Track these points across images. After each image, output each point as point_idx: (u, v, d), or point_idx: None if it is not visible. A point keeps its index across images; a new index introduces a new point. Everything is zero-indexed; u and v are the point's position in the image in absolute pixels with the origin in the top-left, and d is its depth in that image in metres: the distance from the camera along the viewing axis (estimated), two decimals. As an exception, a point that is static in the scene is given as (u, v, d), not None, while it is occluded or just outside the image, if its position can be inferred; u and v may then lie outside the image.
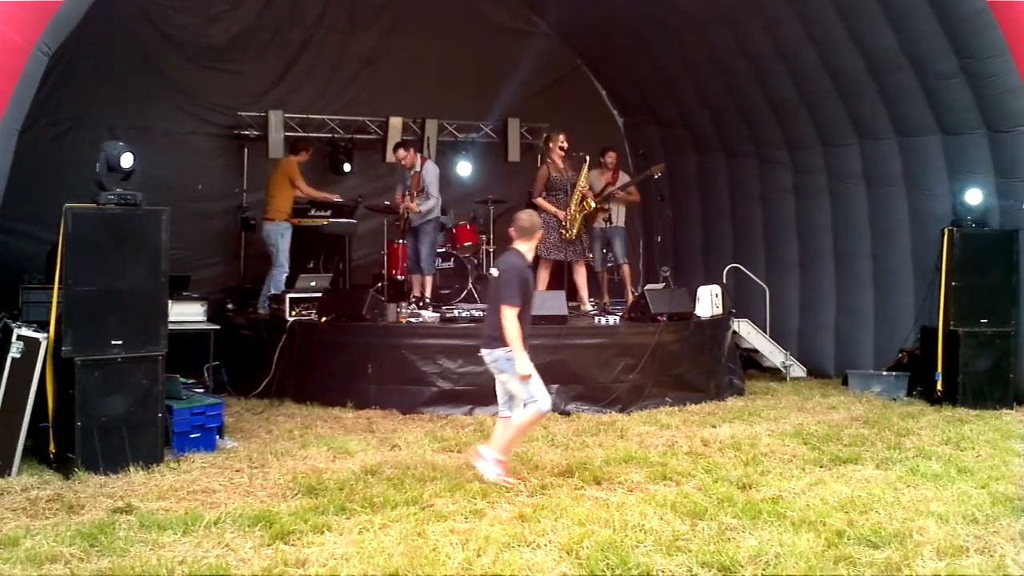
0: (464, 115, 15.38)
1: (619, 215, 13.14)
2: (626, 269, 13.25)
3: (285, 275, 12.27)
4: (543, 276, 12.00)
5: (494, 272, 7.70)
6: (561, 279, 12.68)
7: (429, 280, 12.81)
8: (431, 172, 12.67)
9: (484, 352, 7.57)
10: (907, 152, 12.12)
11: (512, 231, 7.76)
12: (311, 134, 14.56)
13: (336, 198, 13.57)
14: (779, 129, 13.72)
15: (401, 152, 12.70)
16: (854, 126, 12.63)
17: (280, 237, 12.38)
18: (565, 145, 11.90)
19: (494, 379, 10.29)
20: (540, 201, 11.96)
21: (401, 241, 13.38)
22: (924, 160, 11.89)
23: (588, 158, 12.11)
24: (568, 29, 16.16)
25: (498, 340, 7.38)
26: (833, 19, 11.73)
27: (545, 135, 12.13)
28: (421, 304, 12.36)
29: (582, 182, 11.93)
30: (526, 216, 7.76)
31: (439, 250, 13.27)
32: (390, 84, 15.09)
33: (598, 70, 16.55)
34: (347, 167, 14.79)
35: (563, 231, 11.75)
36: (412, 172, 12.61)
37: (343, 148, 14.76)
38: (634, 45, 15.01)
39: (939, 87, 11.24)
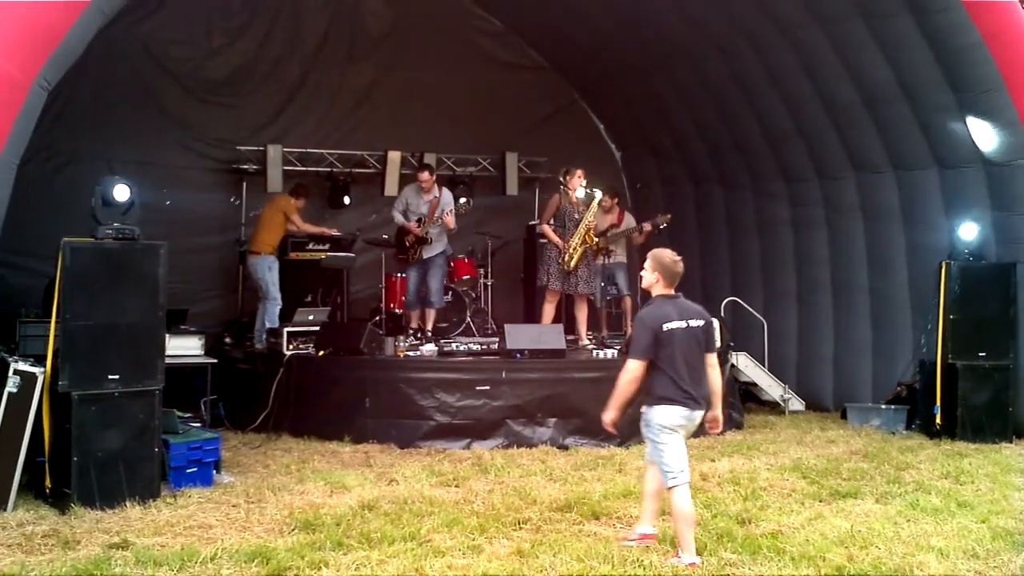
0: (462, 149, 15.41)
1: (621, 250, 13.17)
2: (628, 301, 13.26)
3: (278, 308, 12.24)
4: (548, 309, 11.99)
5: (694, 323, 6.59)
6: (561, 312, 12.66)
7: (433, 314, 12.77)
8: (449, 200, 12.68)
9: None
10: (904, 185, 12.16)
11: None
12: (310, 168, 14.61)
13: (333, 232, 13.57)
14: (775, 161, 13.77)
15: (427, 175, 12.57)
16: (850, 159, 12.68)
17: (267, 271, 12.34)
18: (584, 182, 11.93)
19: (492, 413, 10.38)
20: (545, 228, 12.00)
21: (400, 274, 13.37)
22: (921, 193, 11.93)
23: (599, 195, 12.15)
24: (564, 63, 16.24)
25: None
26: (827, 50, 11.78)
27: (564, 169, 12.12)
28: (423, 338, 12.31)
29: (590, 217, 11.95)
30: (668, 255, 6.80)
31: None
32: (388, 118, 15.15)
33: (595, 103, 16.63)
34: (346, 201, 14.81)
35: (560, 262, 11.73)
36: (432, 199, 12.56)
37: (342, 182, 14.79)
38: (630, 78, 15.08)
39: (935, 120, 11.29)
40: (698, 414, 6.51)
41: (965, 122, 10.95)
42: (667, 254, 6.79)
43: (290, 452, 9.96)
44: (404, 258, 12.70)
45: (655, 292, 6.70)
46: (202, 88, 13.98)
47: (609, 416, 6.65)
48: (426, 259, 12.58)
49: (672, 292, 6.69)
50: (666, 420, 6.44)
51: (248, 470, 9.14)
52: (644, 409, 6.58)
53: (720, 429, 6.93)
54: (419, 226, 12.44)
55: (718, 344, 6.69)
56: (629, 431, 10.54)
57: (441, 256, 12.68)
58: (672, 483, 6.41)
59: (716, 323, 12.07)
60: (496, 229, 14.71)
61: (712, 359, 6.67)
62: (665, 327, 6.42)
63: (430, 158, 14.82)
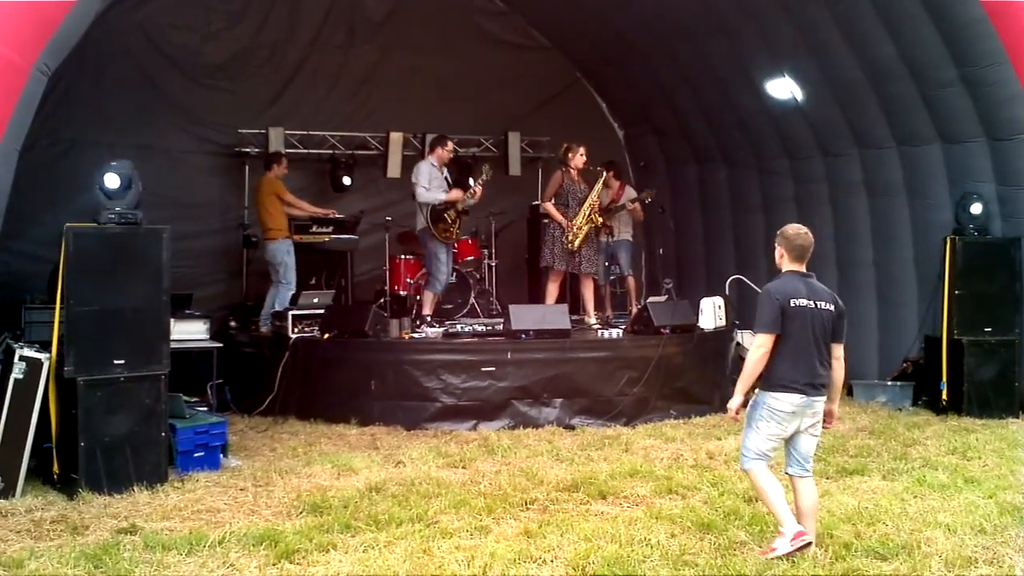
0: (464, 129, 15.37)
1: (625, 228, 13.13)
2: (631, 281, 13.23)
3: (292, 292, 12.22)
4: (552, 289, 11.97)
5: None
6: (565, 292, 12.64)
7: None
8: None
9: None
10: (908, 161, 12.11)
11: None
12: (312, 150, 14.58)
13: (332, 213, 13.52)
14: (779, 139, 13.72)
15: (451, 145, 12.42)
16: (854, 135, 12.63)
17: (286, 254, 12.32)
18: (585, 159, 11.90)
19: (497, 394, 10.37)
20: (548, 206, 11.95)
21: (404, 256, 13.33)
22: (925, 169, 11.88)
23: (605, 173, 12.10)
24: (566, 42, 16.17)
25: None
26: (831, 27, 11.72)
27: (565, 145, 12.05)
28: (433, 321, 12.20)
29: (594, 196, 11.92)
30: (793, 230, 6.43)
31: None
32: (390, 99, 15.11)
33: (597, 82, 16.57)
34: (348, 182, 14.78)
35: (565, 241, 11.70)
36: (447, 173, 12.42)
37: (344, 164, 14.76)
38: (632, 57, 15.02)
39: (939, 96, 11.24)
40: (818, 402, 6.15)
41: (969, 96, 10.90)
42: (791, 228, 6.42)
43: (297, 435, 9.98)
44: (448, 235, 12.10)
45: (784, 268, 6.38)
46: (202, 72, 13.92)
47: (736, 402, 6.21)
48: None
49: (802, 269, 6.36)
50: (777, 406, 6.08)
51: (255, 454, 9.16)
52: (756, 391, 6.23)
53: (834, 424, 6.58)
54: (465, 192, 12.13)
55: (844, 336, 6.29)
56: (634, 411, 10.63)
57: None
58: (748, 466, 6.19)
59: (721, 301, 12.19)
60: (499, 209, 14.67)
61: (839, 351, 6.36)
62: (793, 303, 6.10)
63: (432, 139, 14.76)
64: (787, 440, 6.20)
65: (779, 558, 5.87)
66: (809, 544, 5.96)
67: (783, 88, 12.95)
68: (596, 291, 12.66)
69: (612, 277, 13.43)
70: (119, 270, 7.82)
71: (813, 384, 6.08)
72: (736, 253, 14.84)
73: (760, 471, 6.13)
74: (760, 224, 14.40)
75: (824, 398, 6.18)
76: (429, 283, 12.32)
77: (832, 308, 6.26)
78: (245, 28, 14.15)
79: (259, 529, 6.54)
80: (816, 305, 6.15)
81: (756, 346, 6.11)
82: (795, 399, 6.03)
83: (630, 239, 13.27)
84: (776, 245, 6.40)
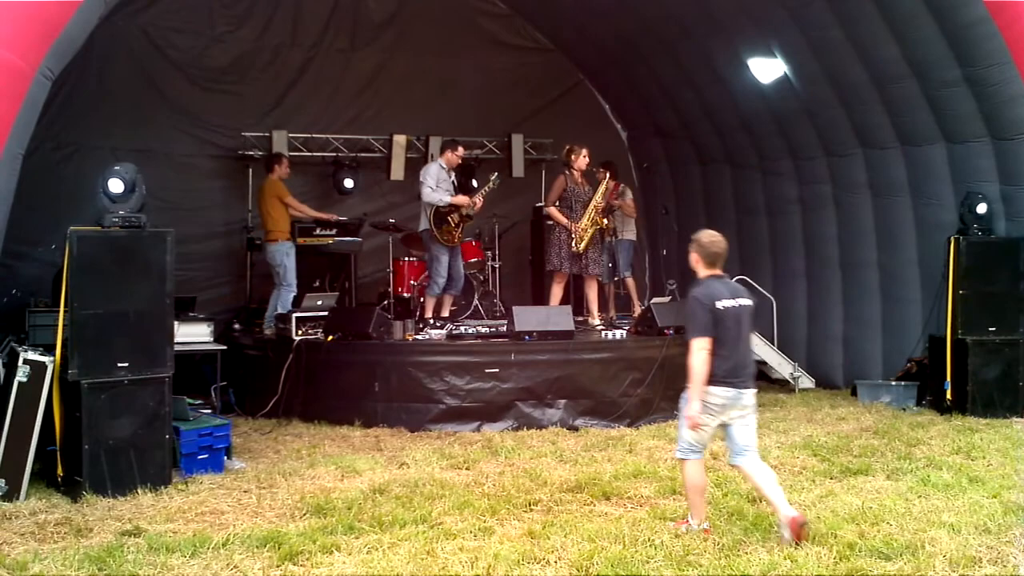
0: (468, 131, 15.38)
1: (628, 228, 13.09)
2: (629, 282, 13.22)
3: (293, 294, 12.25)
4: (556, 290, 11.97)
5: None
6: (569, 293, 12.62)
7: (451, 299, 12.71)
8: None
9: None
10: (912, 161, 12.10)
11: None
12: (315, 153, 14.61)
13: (333, 217, 13.53)
14: (783, 140, 13.72)
15: (461, 150, 12.42)
16: (858, 136, 12.62)
17: (286, 256, 12.36)
18: (588, 160, 11.91)
19: (501, 395, 10.37)
20: (552, 210, 11.93)
21: (408, 259, 13.35)
22: (929, 169, 11.88)
23: (608, 174, 12.12)
24: (569, 44, 16.18)
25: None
26: (834, 28, 11.72)
27: (567, 147, 12.06)
28: (443, 324, 12.14)
29: (598, 198, 11.92)
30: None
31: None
32: (393, 102, 15.14)
33: (600, 84, 16.58)
34: (352, 185, 14.80)
35: (570, 245, 11.70)
36: (454, 177, 12.43)
37: (347, 167, 14.77)
38: (635, 58, 15.02)
39: (942, 96, 11.23)
40: (747, 394, 6.49)
41: (972, 96, 10.90)
42: (705, 235, 6.74)
43: (300, 437, 10.00)
44: (450, 238, 12.11)
45: (701, 273, 6.66)
46: (205, 76, 13.95)
47: (695, 407, 6.38)
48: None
49: (719, 272, 6.64)
50: (710, 399, 6.38)
51: (259, 456, 9.17)
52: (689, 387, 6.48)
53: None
54: (470, 198, 12.14)
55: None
56: (638, 412, 10.63)
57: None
58: (679, 453, 6.59)
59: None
60: (503, 211, 14.68)
61: (752, 340, 6.76)
62: (719, 305, 6.42)
63: (435, 141, 14.78)
64: (723, 431, 6.60)
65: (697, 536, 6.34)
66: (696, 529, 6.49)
67: (786, 88, 12.94)
68: (600, 292, 12.65)
69: (616, 278, 13.40)
70: (123, 273, 7.84)
71: (742, 377, 6.47)
72: (740, 254, 14.78)
73: (690, 464, 6.53)
74: (764, 225, 14.42)
75: (754, 390, 6.56)
76: (428, 286, 12.35)
77: (749, 303, 6.67)
78: (248, 31, 14.18)
79: (263, 531, 6.54)
80: (738, 304, 6.54)
81: (697, 350, 6.38)
82: (728, 392, 6.41)
83: (632, 239, 13.25)
84: (691, 251, 6.71)
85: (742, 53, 13.05)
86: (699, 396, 6.37)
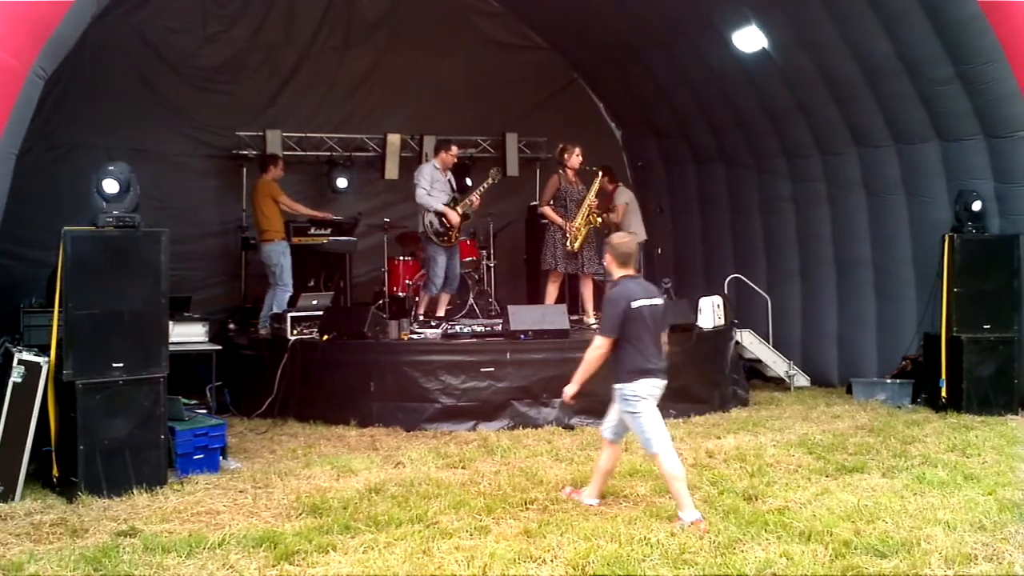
0: (462, 130, 15.38)
1: (632, 229, 13.01)
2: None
3: (289, 294, 12.23)
4: (551, 289, 11.97)
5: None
6: (564, 292, 12.63)
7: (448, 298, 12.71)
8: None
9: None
10: (905, 159, 12.12)
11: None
12: (309, 152, 14.59)
13: (328, 216, 13.52)
14: (776, 138, 13.73)
15: (455, 149, 12.43)
16: (852, 134, 12.64)
17: (281, 256, 12.35)
18: (581, 159, 11.90)
19: (497, 394, 10.38)
20: (546, 210, 11.93)
21: (403, 258, 13.35)
22: (923, 167, 11.89)
23: (601, 173, 12.11)
24: (563, 43, 16.18)
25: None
26: (827, 25, 11.73)
27: (560, 146, 12.07)
28: (438, 323, 12.13)
29: (592, 196, 11.92)
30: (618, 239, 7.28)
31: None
32: (387, 101, 15.13)
33: (595, 83, 16.57)
34: (346, 184, 14.79)
35: (565, 243, 11.71)
36: (449, 177, 12.40)
37: (341, 166, 14.76)
38: (629, 56, 15.03)
39: (936, 93, 11.25)
40: (664, 383, 6.99)
41: (966, 93, 10.91)
42: (616, 237, 7.34)
43: (296, 437, 9.98)
44: (446, 240, 12.12)
45: (615, 275, 7.12)
46: (199, 75, 13.93)
47: (572, 389, 7.13)
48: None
49: (632, 272, 7.12)
50: (642, 390, 6.86)
51: (254, 456, 9.16)
52: (618, 386, 6.96)
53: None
54: (454, 208, 12.09)
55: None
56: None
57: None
58: (656, 448, 6.84)
59: (720, 300, 12.21)
60: (497, 210, 14.67)
61: (665, 337, 7.19)
62: (635, 304, 6.84)
63: (430, 140, 14.76)
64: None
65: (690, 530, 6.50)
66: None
67: (779, 86, 12.95)
68: (595, 290, 12.65)
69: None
70: (118, 273, 7.82)
71: (659, 368, 6.96)
72: (735, 252, 14.86)
73: (670, 456, 6.85)
74: (758, 223, 14.43)
75: (665, 381, 7.03)
76: (425, 285, 12.34)
77: (661, 302, 7.11)
78: (242, 31, 14.17)
79: (259, 531, 6.54)
80: (652, 303, 6.97)
81: (596, 346, 6.94)
82: (654, 381, 6.92)
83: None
84: (605, 254, 7.24)
85: (735, 51, 13.04)
86: (579, 383, 7.06)
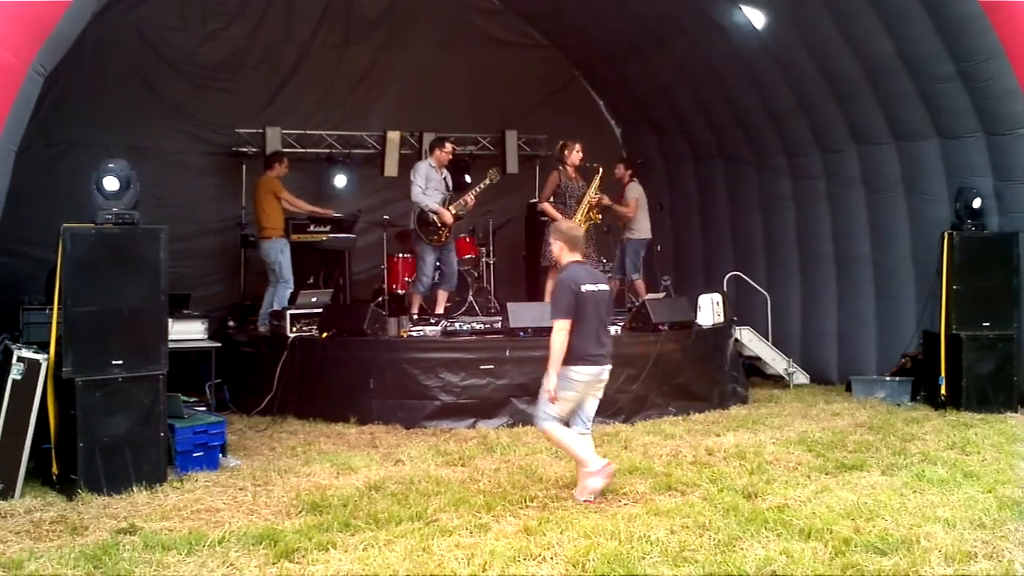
0: (461, 128, 15.38)
1: (636, 226, 12.97)
2: (639, 285, 13.01)
3: (290, 291, 12.22)
4: (551, 286, 11.93)
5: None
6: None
7: (446, 295, 12.69)
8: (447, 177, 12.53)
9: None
10: (905, 156, 12.12)
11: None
12: (309, 149, 14.59)
13: (330, 213, 13.51)
14: (777, 136, 13.73)
15: (450, 147, 12.38)
16: (851, 131, 12.63)
17: (280, 253, 12.33)
18: (581, 155, 11.89)
19: (496, 392, 10.38)
20: (546, 206, 11.94)
21: (402, 255, 13.34)
22: (922, 164, 11.90)
23: (601, 169, 12.10)
24: (563, 40, 16.18)
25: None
26: (828, 23, 11.72)
27: (561, 143, 12.07)
28: (437, 320, 12.12)
29: (592, 193, 11.90)
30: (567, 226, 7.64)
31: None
32: (387, 98, 15.14)
33: (595, 80, 16.57)
34: (345, 181, 14.78)
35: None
36: (445, 174, 12.38)
37: (341, 163, 14.76)
38: (629, 54, 15.03)
39: (936, 91, 11.24)
40: (606, 370, 7.26)
41: (966, 91, 10.91)
42: (562, 223, 7.72)
43: (296, 434, 9.98)
44: (436, 239, 12.12)
45: (564, 260, 7.38)
46: (198, 73, 13.93)
47: (552, 382, 7.11)
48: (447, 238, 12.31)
49: (579, 258, 7.39)
50: (577, 377, 7.11)
51: (254, 453, 9.15)
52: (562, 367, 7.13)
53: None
54: (446, 207, 12.07)
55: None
56: (632, 408, 10.64)
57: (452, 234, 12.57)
58: (544, 426, 7.29)
59: (719, 298, 12.21)
60: (497, 207, 14.67)
61: (608, 323, 7.46)
62: (583, 288, 7.11)
63: (429, 138, 14.73)
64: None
65: (595, 496, 7.10)
66: (614, 470, 7.36)
67: (779, 83, 12.95)
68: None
69: (621, 276, 13.30)
70: (117, 271, 7.80)
71: (603, 355, 7.20)
72: (734, 250, 14.86)
73: (556, 428, 7.24)
74: (758, 221, 14.43)
75: (609, 366, 7.28)
76: (414, 283, 12.39)
77: (607, 288, 7.40)
78: (241, 28, 14.18)
79: (258, 528, 6.54)
80: (598, 288, 7.23)
81: (558, 330, 7.06)
82: (593, 370, 7.14)
83: (642, 237, 13.09)
84: (553, 240, 7.53)
85: (737, 50, 13.03)
86: (557, 372, 7.06)
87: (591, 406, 7.40)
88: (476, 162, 15.36)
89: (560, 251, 7.43)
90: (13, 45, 7.43)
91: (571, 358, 7.06)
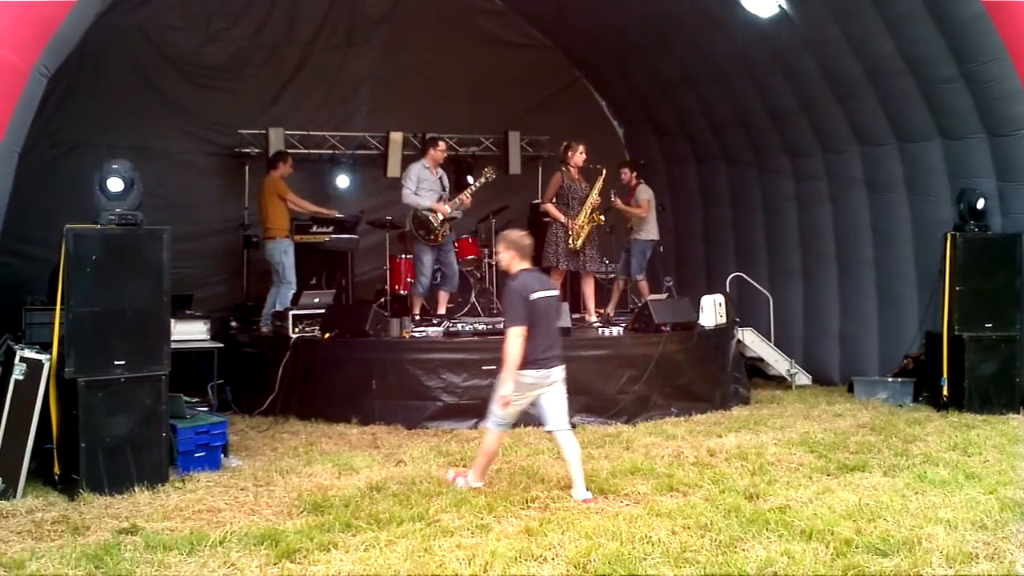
0: (464, 129, 15.38)
1: (643, 227, 12.93)
2: (642, 286, 12.97)
3: (292, 292, 12.23)
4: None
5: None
6: (565, 291, 12.61)
7: (448, 296, 12.68)
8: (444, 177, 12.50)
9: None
10: (908, 157, 12.11)
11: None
12: (312, 150, 14.59)
13: (334, 213, 13.51)
14: (779, 137, 13.73)
15: (443, 146, 12.37)
16: (854, 132, 12.63)
17: (284, 254, 12.33)
18: (584, 156, 11.89)
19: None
20: (549, 207, 11.93)
21: (405, 256, 13.35)
22: (925, 165, 11.89)
23: (604, 171, 12.08)
24: (565, 41, 16.19)
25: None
26: (830, 23, 11.71)
27: (564, 144, 12.05)
28: (439, 321, 12.11)
29: (595, 195, 11.89)
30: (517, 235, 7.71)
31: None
32: (389, 99, 15.13)
33: (597, 81, 16.57)
34: (348, 182, 14.79)
35: (567, 241, 11.70)
36: (440, 175, 12.33)
37: (344, 164, 14.76)
38: (631, 55, 15.03)
39: (939, 92, 11.24)
40: (556, 371, 7.38)
41: (969, 92, 10.91)
42: (513, 232, 7.68)
43: (297, 435, 9.99)
44: (432, 239, 12.05)
45: (514, 268, 7.50)
46: (201, 73, 13.94)
47: (508, 388, 7.27)
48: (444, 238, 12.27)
49: (528, 265, 7.54)
50: (524, 380, 7.26)
51: (256, 453, 9.16)
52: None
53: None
54: (444, 203, 12.07)
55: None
56: (634, 409, 10.63)
57: (452, 234, 12.57)
58: (491, 425, 7.51)
59: (722, 298, 12.20)
60: (499, 208, 14.65)
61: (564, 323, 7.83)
62: (533, 295, 7.26)
63: (432, 138, 14.78)
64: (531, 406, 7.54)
65: (472, 491, 7.36)
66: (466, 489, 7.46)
67: (781, 84, 12.94)
68: (597, 289, 12.64)
69: (626, 277, 13.26)
70: (119, 271, 7.81)
71: (552, 358, 7.34)
72: (736, 250, 14.85)
73: (493, 436, 7.52)
74: (760, 222, 14.43)
75: (561, 367, 7.41)
76: (413, 285, 12.40)
77: (557, 293, 7.69)
78: (244, 29, 14.19)
79: (260, 529, 6.54)
80: (548, 294, 7.43)
81: (514, 336, 7.19)
82: (538, 373, 7.29)
83: (650, 239, 13.05)
84: (503, 250, 7.60)
85: (739, 50, 13.03)
86: (512, 378, 7.22)
87: (548, 403, 7.43)
88: (479, 162, 15.35)
89: (511, 259, 7.53)
90: (17, 46, 7.45)
91: (521, 362, 7.22)
